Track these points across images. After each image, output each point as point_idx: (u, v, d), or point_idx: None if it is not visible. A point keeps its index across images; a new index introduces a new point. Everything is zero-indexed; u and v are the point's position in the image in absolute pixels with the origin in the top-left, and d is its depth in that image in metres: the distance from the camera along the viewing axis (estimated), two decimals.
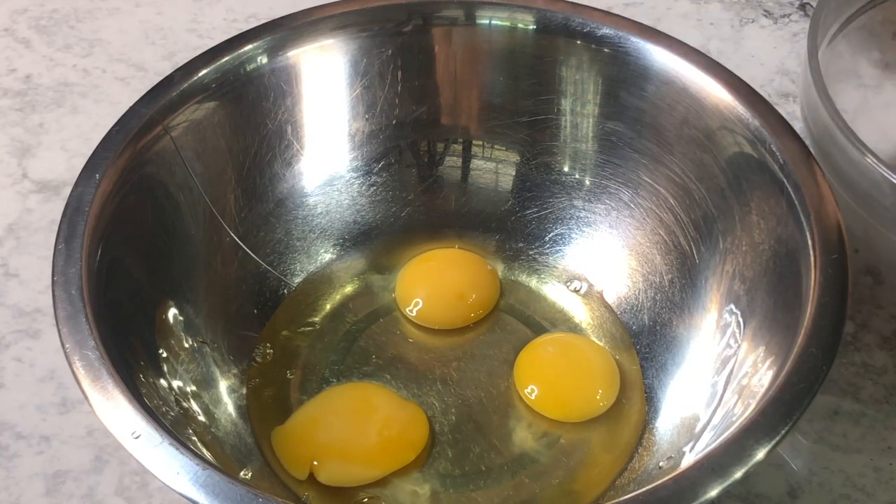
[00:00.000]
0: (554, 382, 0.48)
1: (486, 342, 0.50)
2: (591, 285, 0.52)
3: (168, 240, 0.46)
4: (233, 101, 0.48)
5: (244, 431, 0.46)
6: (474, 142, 0.54)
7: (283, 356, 0.49)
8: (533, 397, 0.47)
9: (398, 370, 0.49)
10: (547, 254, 0.53)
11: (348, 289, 0.52)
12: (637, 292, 0.50)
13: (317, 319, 0.51)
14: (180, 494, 0.35)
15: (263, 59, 0.49)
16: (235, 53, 0.48)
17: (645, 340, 0.49)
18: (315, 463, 0.45)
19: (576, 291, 0.52)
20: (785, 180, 0.43)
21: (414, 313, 0.51)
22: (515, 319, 0.51)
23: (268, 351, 0.49)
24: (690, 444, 0.43)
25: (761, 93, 0.46)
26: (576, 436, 0.47)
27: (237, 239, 0.49)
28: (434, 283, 0.52)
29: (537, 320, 0.51)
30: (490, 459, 0.46)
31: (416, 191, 0.54)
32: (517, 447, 0.46)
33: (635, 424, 0.47)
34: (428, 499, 0.45)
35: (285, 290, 0.51)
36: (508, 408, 0.48)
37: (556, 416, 0.47)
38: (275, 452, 0.46)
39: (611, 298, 0.51)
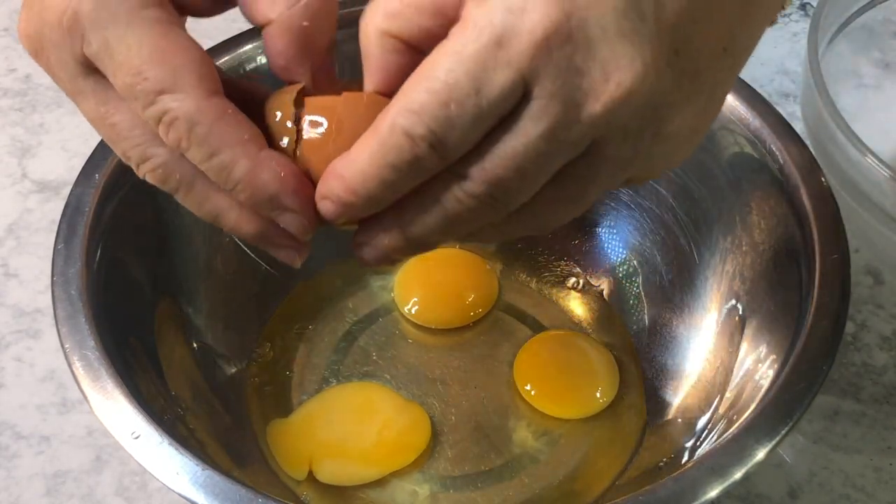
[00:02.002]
0: (553, 379, 0.48)
1: (485, 342, 0.50)
2: (590, 285, 0.52)
3: (168, 240, 0.46)
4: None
5: (244, 431, 0.46)
6: None
7: (283, 356, 0.49)
8: (532, 394, 0.47)
9: (398, 370, 0.49)
10: (546, 254, 0.53)
11: (348, 289, 0.52)
12: (637, 293, 0.50)
13: (316, 319, 0.51)
14: (180, 495, 0.35)
15: (263, 59, 0.49)
16: (235, 53, 0.48)
17: (645, 340, 0.49)
18: (313, 461, 0.45)
19: (574, 289, 0.52)
20: (785, 180, 0.43)
21: (413, 313, 0.51)
22: (515, 319, 0.51)
23: (268, 350, 0.49)
24: (690, 444, 0.43)
25: (761, 93, 0.46)
26: (576, 435, 0.47)
27: (237, 239, 0.49)
28: (432, 283, 0.51)
29: (537, 320, 0.51)
30: (490, 459, 0.46)
31: None
32: (517, 447, 0.46)
33: (635, 423, 0.47)
34: (427, 498, 0.45)
35: (285, 291, 0.51)
36: (508, 407, 0.48)
37: (555, 413, 0.47)
38: (272, 449, 0.46)
39: (610, 298, 0.51)
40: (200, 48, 0.32)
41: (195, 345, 0.46)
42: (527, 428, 0.47)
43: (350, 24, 0.50)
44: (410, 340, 0.50)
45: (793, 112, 0.58)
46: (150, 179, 0.32)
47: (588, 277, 0.52)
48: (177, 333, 0.46)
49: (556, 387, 0.48)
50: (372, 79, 0.30)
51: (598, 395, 0.47)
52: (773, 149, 0.44)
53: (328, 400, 0.47)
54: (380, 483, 0.45)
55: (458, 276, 0.52)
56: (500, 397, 0.48)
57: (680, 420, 0.45)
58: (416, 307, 0.50)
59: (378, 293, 0.52)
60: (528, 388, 0.48)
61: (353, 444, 0.45)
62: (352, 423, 0.46)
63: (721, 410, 0.42)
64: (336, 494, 0.45)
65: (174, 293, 0.46)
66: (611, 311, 0.51)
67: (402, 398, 0.47)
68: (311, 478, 0.45)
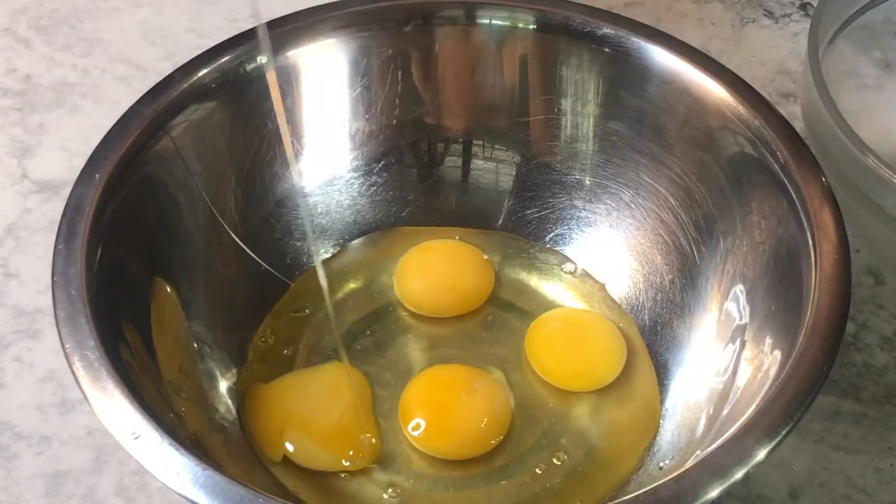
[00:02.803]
0: (565, 351, 0.49)
1: (486, 338, 0.50)
2: (591, 285, 0.52)
3: (168, 240, 0.46)
4: (233, 101, 0.48)
5: (243, 432, 0.46)
6: (474, 142, 0.54)
7: (283, 355, 0.49)
8: (549, 368, 0.48)
9: (398, 369, 0.49)
10: (547, 253, 0.53)
11: (348, 287, 0.52)
12: (637, 292, 0.50)
13: (316, 320, 0.51)
14: (180, 495, 0.35)
15: (263, 59, 0.49)
16: (235, 53, 0.48)
17: (646, 340, 0.49)
18: (284, 433, 0.45)
19: (574, 286, 0.52)
20: (785, 180, 0.43)
21: (413, 303, 0.51)
22: (515, 317, 0.51)
23: (270, 342, 0.49)
24: (691, 445, 0.43)
25: (762, 93, 0.46)
26: (579, 435, 0.46)
27: (237, 239, 0.49)
28: (432, 273, 0.51)
29: (533, 310, 0.51)
30: (496, 458, 0.46)
31: (416, 191, 0.54)
32: (521, 447, 0.46)
33: (649, 415, 0.47)
34: (425, 496, 0.45)
35: (285, 291, 0.51)
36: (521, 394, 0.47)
37: (571, 385, 0.47)
38: (248, 416, 0.46)
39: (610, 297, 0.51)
40: None
41: (195, 345, 0.46)
42: (529, 429, 0.47)
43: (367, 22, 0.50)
44: (412, 336, 0.50)
45: (793, 112, 0.58)
46: None
47: (587, 276, 0.52)
48: (176, 334, 0.46)
49: (570, 357, 0.48)
50: None
51: (609, 362, 0.48)
52: (774, 149, 0.44)
53: (305, 374, 0.48)
54: (381, 475, 0.45)
55: (457, 266, 0.52)
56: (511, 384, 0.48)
57: (681, 420, 0.45)
58: (416, 297, 0.51)
59: (379, 292, 0.52)
60: (543, 361, 0.48)
61: (317, 421, 0.46)
62: (321, 400, 0.46)
63: (722, 411, 0.42)
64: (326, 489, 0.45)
65: (174, 293, 0.46)
66: (612, 309, 0.51)
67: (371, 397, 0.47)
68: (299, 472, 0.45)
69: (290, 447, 0.45)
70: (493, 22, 0.51)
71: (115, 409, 0.37)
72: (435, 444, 0.45)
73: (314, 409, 0.46)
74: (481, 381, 0.47)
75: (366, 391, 0.47)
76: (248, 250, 0.50)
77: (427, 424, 0.45)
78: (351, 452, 0.45)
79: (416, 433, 0.45)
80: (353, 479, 0.45)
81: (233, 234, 0.49)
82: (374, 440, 0.46)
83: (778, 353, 0.40)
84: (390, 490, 0.45)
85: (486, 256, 0.52)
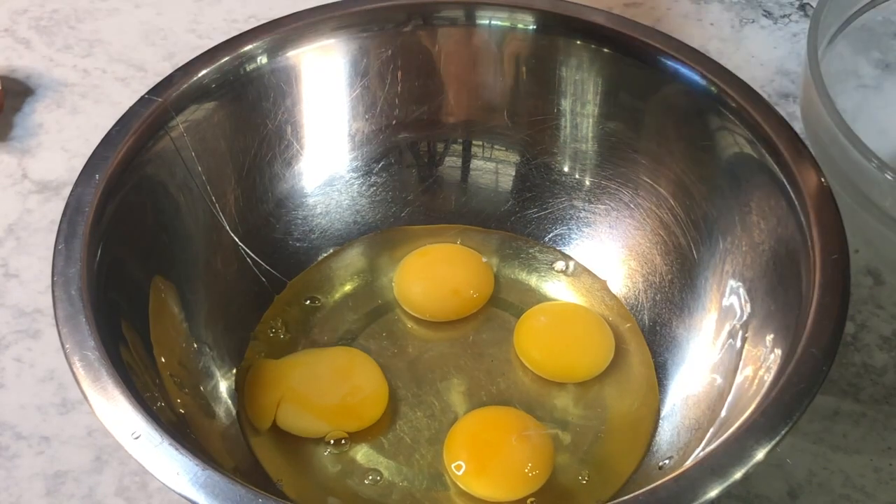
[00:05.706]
0: (554, 344, 0.49)
1: (486, 340, 0.50)
2: (592, 283, 0.52)
3: (168, 240, 0.46)
4: (233, 101, 0.48)
5: (241, 433, 0.46)
6: (474, 142, 0.54)
7: (283, 355, 0.49)
8: (536, 360, 0.48)
9: (397, 368, 0.49)
10: (546, 253, 0.53)
11: (348, 287, 0.52)
12: (637, 292, 0.50)
13: (316, 319, 0.51)
14: (180, 495, 0.35)
15: (263, 59, 0.49)
16: (235, 53, 0.48)
17: (645, 340, 0.49)
18: (280, 404, 0.46)
19: (574, 285, 0.52)
20: (785, 180, 0.43)
21: (413, 306, 0.51)
22: (514, 317, 0.51)
23: (274, 333, 0.50)
24: (690, 445, 0.43)
25: (761, 93, 0.46)
26: (581, 431, 0.47)
27: (237, 239, 0.49)
28: (432, 277, 0.52)
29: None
30: None
31: (416, 191, 0.54)
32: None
33: (648, 418, 0.47)
34: (404, 486, 0.45)
35: (285, 291, 0.51)
36: (514, 404, 0.47)
37: (561, 376, 0.48)
38: (247, 387, 0.47)
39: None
40: None
41: (195, 345, 0.46)
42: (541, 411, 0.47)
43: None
44: (412, 336, 0.50)
45: (793, 112, 0.59)
46: None
47: (587, 275, 0.52)
48: (176, 334, 0.46)
49: (560, 349, 0.49)
50: None
51: (598, 349, 0.48)
52: (773, 149, 0.44)
53: (314, 354, 0.49)
54: (386, 471, 0.45)
55: (457, 270, 0.52)
56: (506, 391, 0.48)
57: (680, 420, 0.45)
58: (416, 301, 0.51)
59: (379, 292, 0.52)
60: (532, 355, 0.48)
61: (316, 399, 0.46)
62: (324, 380, 0.47)
63: (721, 411, 0.42)
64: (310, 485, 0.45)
65: (174, 294, 0.46)
66: (611, 307, 0.51)
67: (380, 372, 0.48)
68: (286, 459, 0.45)
69: (283, 415, 0.46)
70: (493, 22, 0.51)
71: (115, 409, 0.37)
72: (472, 482, 0.45)
73: (317, 381, 0.47)
74: (535, 429, 0.46)
75: (380, 376, 0.48)
76: (247, 250, 0.50)
77: (470, 464, 0.45)
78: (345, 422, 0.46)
79: (459, 472, 0.45)
80: (335, 463, 0.45)
81: (233, 234, 0.49)
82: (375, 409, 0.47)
83: (777, 353, 0.40)
84: (370, 477, 0.45)
85: (485, 259, 0.52)
